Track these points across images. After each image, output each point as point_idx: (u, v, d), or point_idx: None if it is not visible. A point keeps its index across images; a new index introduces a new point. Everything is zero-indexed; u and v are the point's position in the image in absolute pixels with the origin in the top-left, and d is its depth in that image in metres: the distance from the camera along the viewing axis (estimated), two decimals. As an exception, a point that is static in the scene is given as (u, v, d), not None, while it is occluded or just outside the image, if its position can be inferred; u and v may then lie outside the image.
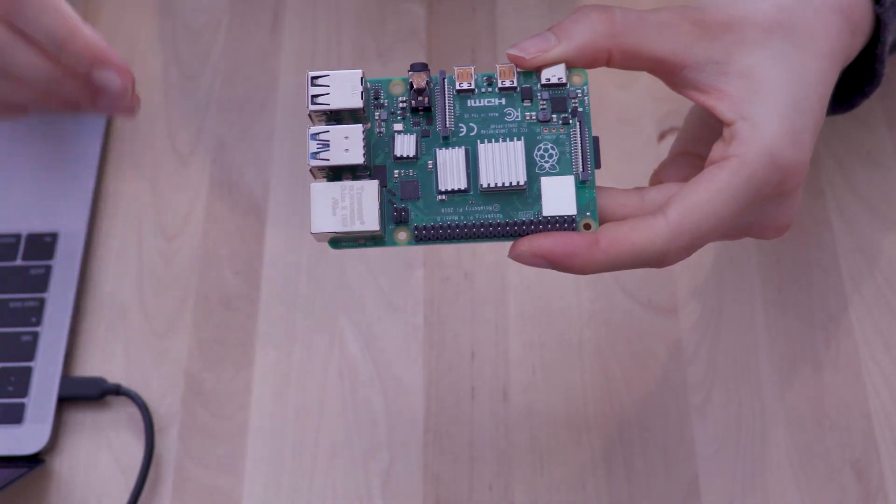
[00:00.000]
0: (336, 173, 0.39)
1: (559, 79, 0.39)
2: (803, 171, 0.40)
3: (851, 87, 0.48)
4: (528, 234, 0.39)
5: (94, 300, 0.56)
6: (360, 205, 0.38)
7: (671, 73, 0.40)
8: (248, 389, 0.53)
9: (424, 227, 0.39)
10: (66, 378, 0.53)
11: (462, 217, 0.39)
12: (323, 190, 0.38)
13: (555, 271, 0.39)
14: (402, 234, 0.39)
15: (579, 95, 0.39)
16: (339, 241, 0.39)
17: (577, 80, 0.39)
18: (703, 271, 0.55)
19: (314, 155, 0.38)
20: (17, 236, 0.56)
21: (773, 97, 0.39)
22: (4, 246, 0.56)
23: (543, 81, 0.39)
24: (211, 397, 0.53)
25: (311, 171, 0.38)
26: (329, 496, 0.51)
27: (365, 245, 0.39)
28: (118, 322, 0.55)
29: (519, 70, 0.39)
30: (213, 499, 0.51)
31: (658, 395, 0.52)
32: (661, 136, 0.58)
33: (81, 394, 0.52)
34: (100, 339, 0.55)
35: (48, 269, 0.55)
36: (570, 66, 0.39)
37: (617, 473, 0.50)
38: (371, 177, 0.39)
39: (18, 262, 0.56)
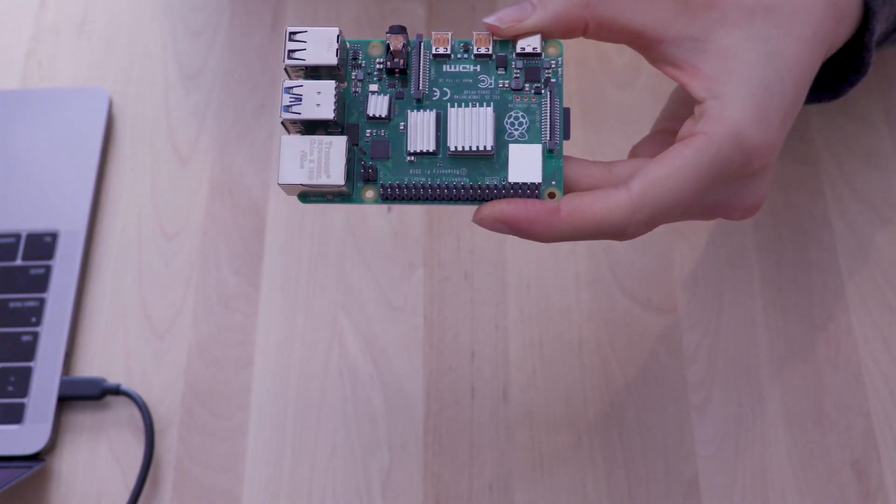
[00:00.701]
0: (309, 128, 0.39)
1: (534, 49, 0.39)
2: (770, 153, 0.40)
3: (839, 76, 0.48)
4: (493, 199, 0.39)
5: (94, 300, 0.56)
6: (328, 159, 0.38)
7: (648, 47, 0.40)
8: (248, 389, 0.53)
9: (391, 186, 0.39)
10: (66, 378, 0.53)
11: (429, 179, 0.39)
12: (293, 142, 0.39)
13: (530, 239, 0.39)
14: (370, 193, 0.39)
15: (553, 66, 0.40)
16: (308, 195, 0.40)
17: (552, 51, 0.40)
18: (704, 271, 0.55)
19: (286, 108, 0.39)
20: (17, 236, 0.56)
21: (745, 78, 0.39)
22: (4, 246, 0.56)
23: (518, 51, 0.39)
24: (211, 397, 0.53)
25: (282, 123, 0.39)
26: (329, 496, 0.51)
27: (333, 201, 0.39)
28: (118, 322, 0.55)
29: (495, 38, 0.40)
30: (213, 499, 0.51)
31: (658, 395, 0.52)
32: (661, 136, 0.58)
33: (81, 394, 0.52)
34: (100, 339, 0.55)
35: (48, 269, 0.55)
36: (546, 37, 0.39)
37: (617, 473, 0.50)
38: (343, 134, 0.39)
39: (18, 262, 0.56)
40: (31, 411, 0.52)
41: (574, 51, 0.61)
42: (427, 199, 0.39)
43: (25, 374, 0.53)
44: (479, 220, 0.39)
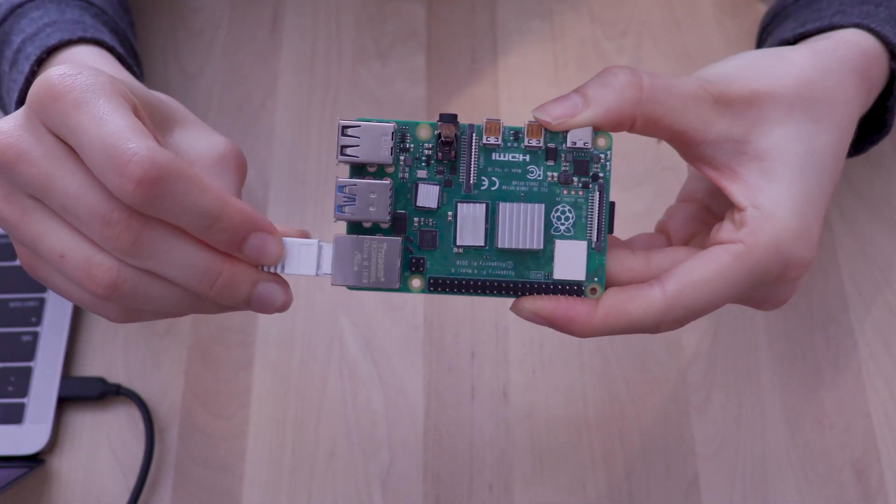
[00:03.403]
0: (357, 221, 0.39)
1: (585, 143, 0.39)
2: (808, 265, 0.40)
3: (859, 134, 0.48)
4: (536, 292, 0.39)
5: (94, 300, 0.56)
6: (382, 261, 0.38)
7: (688, 147, 0.40)
8: (248, 389, 0.53)
9: (439, 280, 0.39)
10: (66, 378, 0.53)
11: (476, 271, 0.39)
12: (345, 243, 0.38)
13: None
14: (417, 282, 0.39)
15: (602, 160, 0.39)
16: (357, 286, 0.39)
17: (601, 143, 0.39)
18: (703, 271, 0.55)
19: (340, 208, 0.38)
20: (17, 236, 0.56)
21: (786, 187, 0.39)
22: (4, 246, 0.56)
23: (569, 144, 0.39)
24: (211, 397, 0.53)
25: (335, 221, 0.39)
26: (329, 496, 0.51)
27: (380, 289, 0.39)
28: (118, 322, 0.55)
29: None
30: (213, 499, 0.51)
31: (658, 395, 0.52)
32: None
33: (81, 394, 0.52)
34: (100, 339, 0.55)
35: (48, 269, 0.55)
36: (596, 130, 0.39)
37: (617, 473, 0.50)
38: (391, 224, 0.39)
39: (19, 261, 0.56)
40: (31, 411, 0.52)
41: (574, 51, 0.61)
42: (472, 291, 0.39)
43: (25, 374, 0.53)
44: (517, 311, 0.40)
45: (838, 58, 0.42)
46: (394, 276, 0.38)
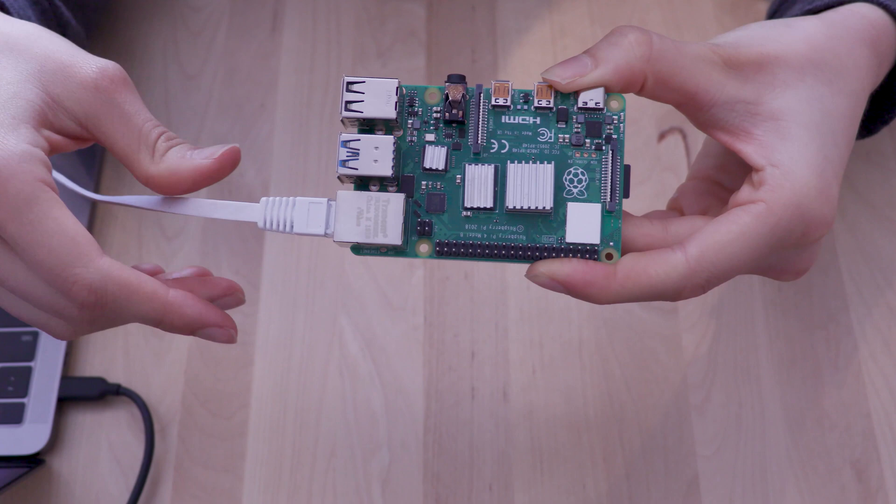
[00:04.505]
0: (363, 180, 0.39)
1: (596, 103, 0.38)
2: (829, 223, 0.39)
3: (870, 113, 0.48)
4: (549, 257, 0.38)
5: (94, 300, 0.56)
6: (385, 218, 0.38)
7: (699, 110, 0.39)
8: (248, 389, 0.53)
9: (447, 243, 0.38)
10: (66, 378, 0.53)
11: (485, 235, 0.38)
12: (349, 199, 0.38)
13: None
14: (424, 247, 0.39)
15: (615, 122, 0.38)
16: (361, 248, 0.39)
17: (614, 105, 0.38)
18: (703, 271, 0.55)
19: (343, 163, 0.38)
20: (17, 236, 0.56)
21: (803, 144, 0.39)
22: (4, 246, 0.56)
23: (580, 105, 0.38)
24: (211, 397, 0.53)
25: (338, 177, 0.38)
26: (329, 496, 0.51)
27: (386, 254, 0.39)
28: (118, 322, 0.55)
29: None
30: (213, 499, 0.51)
31: (658, 395, 0.52)
32: (661, 137, 0.58)
33: (81, 394, 0.52)
34: (100, 339, 0.55)
35: (48, 269, 0.55)
36: (608, 91, 0.38)
37: (617, 473, 0.50)
38: (398, 187, 0.39)
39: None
40: (31, 411, 0.52)
41: (574, 51, 0.61)
42: (482, 256, 0.39)
43: (25, 374, 0.53)
44: (532, 277, 0.39)
45: (848, 26, 0.42)
46: (397, 233, 0.38)
